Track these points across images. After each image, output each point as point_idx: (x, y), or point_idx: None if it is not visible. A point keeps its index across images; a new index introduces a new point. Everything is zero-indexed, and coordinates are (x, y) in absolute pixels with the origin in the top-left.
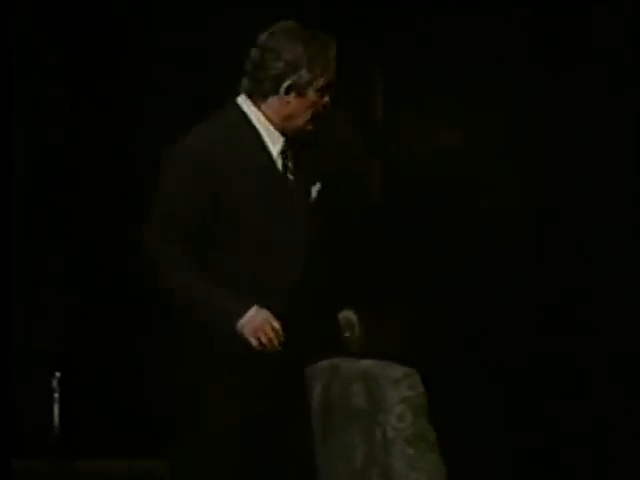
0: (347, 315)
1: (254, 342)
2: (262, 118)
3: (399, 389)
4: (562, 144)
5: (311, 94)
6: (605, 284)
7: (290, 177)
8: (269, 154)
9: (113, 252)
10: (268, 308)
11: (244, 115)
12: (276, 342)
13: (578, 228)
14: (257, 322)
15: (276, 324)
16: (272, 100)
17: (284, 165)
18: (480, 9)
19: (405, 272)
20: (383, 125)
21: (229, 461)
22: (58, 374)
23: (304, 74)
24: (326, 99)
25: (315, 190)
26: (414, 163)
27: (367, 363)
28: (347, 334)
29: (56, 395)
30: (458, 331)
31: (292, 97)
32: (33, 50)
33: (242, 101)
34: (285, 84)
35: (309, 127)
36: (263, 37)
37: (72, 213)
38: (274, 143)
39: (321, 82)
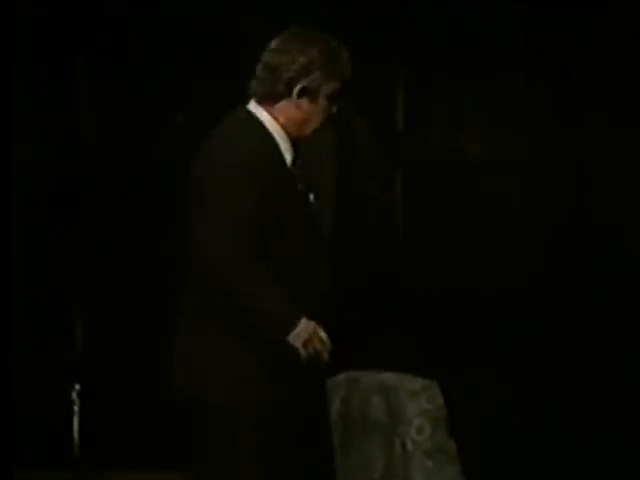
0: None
1: (303, 353)
2: (275, 124)
3: (418, 401)
4: (584, 158)
5: (322, 100)
6: (628, 299)
7: (300, 186)
8: (284, 162)
9: (134, 264)
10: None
11: (259, 122)
12: (325, 354)
13: (601, 243)
14: (306, 334)
15: (324, 335)
16: (283, 104)
17: (296, 170)
18: (502, 23)
19: (423, 282)
20: (404, 136)
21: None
22: (78, 386)
23: (317, 77)
24: (334, 109)
25: (313, 197)
26: (435, 174)
27: (386, 376)
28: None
29: (76, 407)
30: (475, 343)
31: (304, 101)
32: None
33: (254, 107)
34: (298, 87)
35: (306, 132)
36: (277, 41)
37: (94, 226)
38: (286, 150)
39: (332, 88)
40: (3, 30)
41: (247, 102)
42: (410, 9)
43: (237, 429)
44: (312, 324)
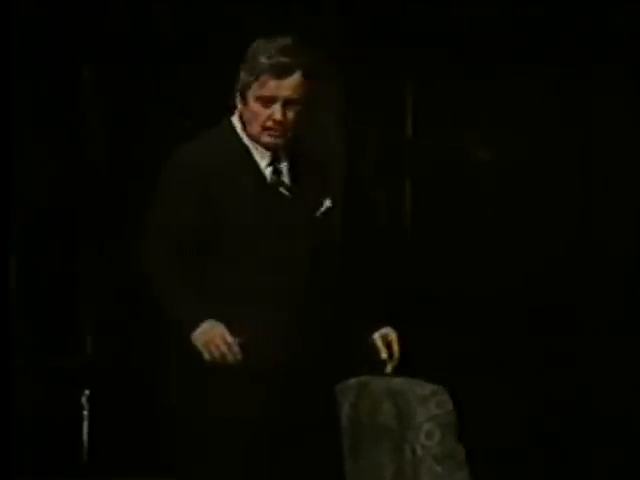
0: (385, 333)
1: (206, 355)
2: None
3: (427, 407)
4: (593, 160)
5: (252, 102)
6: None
7: (284, 192)
8: (257, 169)
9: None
10: (272, 324)
11: (234, 130)
12: (230, 357)
13: (610, 245)
14: (208, 336)
15: (229, 338)
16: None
17: (277, 180)
18: (509, 27)
19: (433, 287)
20: (413, 143)
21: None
22: (87, 391)
23: (242, 77)
24: (274, 115)
25: (324, 206)
26: (443, 179)
27: (396, 381)
28: (384, 355)
29: (85, 412)
30: (486, 348)
31: (239, 102)
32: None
33: (234, 116)
34: (235, 92)
35: (267, 139)
36: None
37: (104, 233)
38: (262, 157)
39: (257, 90)
40: (6, 40)
41: None
42: (417, 15)
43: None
44: (217, 327)
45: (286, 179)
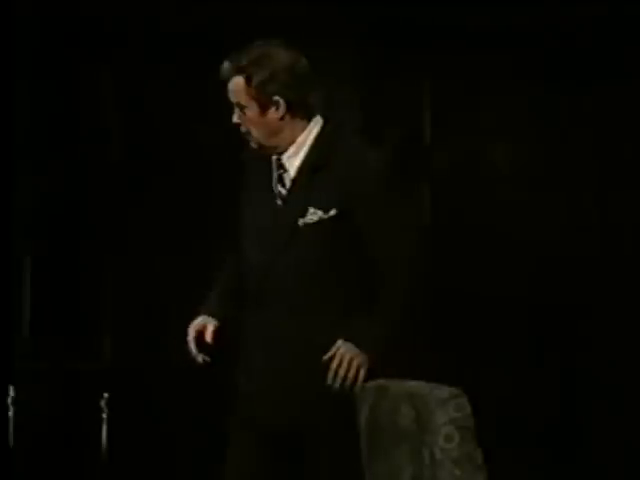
0: (339, 346)
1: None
2: None
3: (446, 410)
4: (614, 167)
5: None
6: None
7: (278, 202)
8: (270, 177)
9: (164, 276)
10: (257, 327)
11: None
12: (193, 350)
13: (629, 251)
14: (189, 330)
15: (191, 333)
16: None
17: (277, 189)
18: (528, 33)
19: (451, 291)
20: (431, 147)
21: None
22: (106, 395)
23: None
24: (234, 118)
25: (317, 215)
26: (462, 185)
27: (415, 384)
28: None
29: (104, 415)
30: (504, 349)
31: None
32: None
33: None
34: None
35: (252, 145)
36: None
37: (125, 238)
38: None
39: None
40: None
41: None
42: (435, 21)
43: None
44: (197, 322)
45: (283, 186)
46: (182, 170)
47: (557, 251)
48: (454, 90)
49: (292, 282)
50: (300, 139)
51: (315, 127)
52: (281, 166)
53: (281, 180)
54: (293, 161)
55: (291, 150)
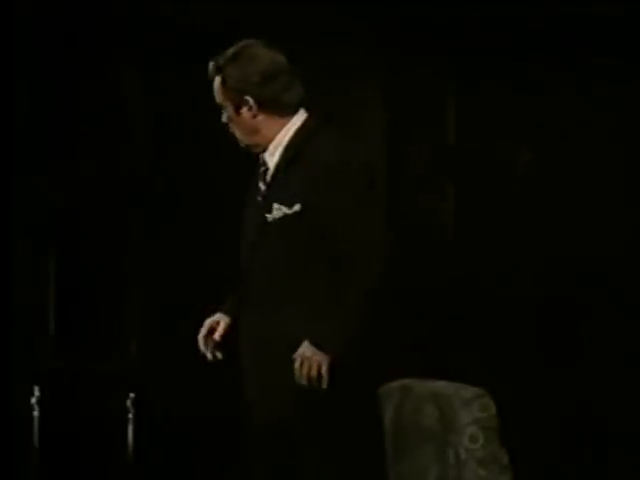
0: (302, 346)
1: None
2: None
3: (471, 410)
4: (636, 162)
5: None
6: None
7: (259, 198)
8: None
9: (188, 272)
10: (242, 322)
11: None
12: (202, 347)
13: None
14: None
15: (203, 330)
16: None
17: (259, 186)
18: (551, 35)
19: (475, 293)
20: (455, 149)
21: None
22: (132, 395)
23: None
24: (222, 119)
25: (282, 211)
26: (487, 186)
27: (439, 384)
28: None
29: (130, 415)
30: (531, 354)
31: None
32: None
33: None
34: None
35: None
36: None
37: (149, 238)
38: (262, 161)
39: None
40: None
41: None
42: (460, 22)
43: None
44: (210, 319)
45: (264, 183)
46: (209, 169)
47: (581, 251)
48: (478, 90)
49: (264, 279)
50: (279, 137)
51: (295, 124)
52: (264, 163)
53: (264, 177)
54: (273, 158)
55: (271, 148)
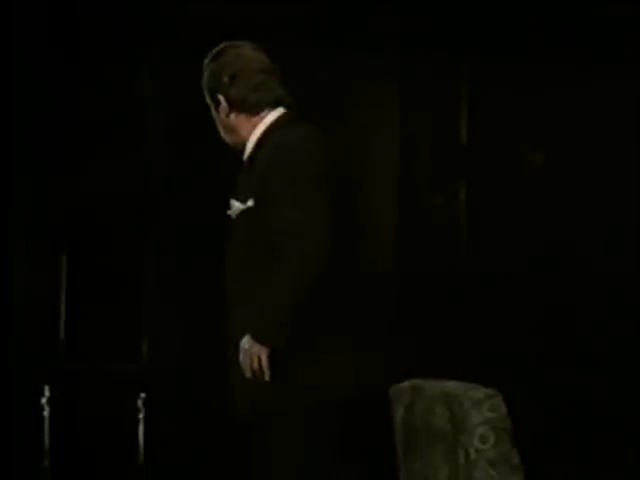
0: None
1: None
2: None
3: (481, 410)
4: None
5: None
6: None
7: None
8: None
9: (198, 273)
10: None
11: None
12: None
13: None
14: None
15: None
16: None
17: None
18: (563, 36)
19: (487, 292)
20: (467, 148)
21: None
22: (143, 395)
23: None
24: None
25: (237, 207)
26: (499, 186)
27: (450, 384)
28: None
29: (141, 415)
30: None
31: None
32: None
33: None
34: None
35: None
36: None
37: (163, 239)
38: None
39: None
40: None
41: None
42: (472, 23)
43: None
44: None
45: (238, 182)
46: (224, 170)
47: (593, 250)
48: (490, 90)
49: (230, 278)
50: (251, 137)
51: (265, 123)
52: (242, 163)
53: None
54: (245, 157)
55: (247, 147)
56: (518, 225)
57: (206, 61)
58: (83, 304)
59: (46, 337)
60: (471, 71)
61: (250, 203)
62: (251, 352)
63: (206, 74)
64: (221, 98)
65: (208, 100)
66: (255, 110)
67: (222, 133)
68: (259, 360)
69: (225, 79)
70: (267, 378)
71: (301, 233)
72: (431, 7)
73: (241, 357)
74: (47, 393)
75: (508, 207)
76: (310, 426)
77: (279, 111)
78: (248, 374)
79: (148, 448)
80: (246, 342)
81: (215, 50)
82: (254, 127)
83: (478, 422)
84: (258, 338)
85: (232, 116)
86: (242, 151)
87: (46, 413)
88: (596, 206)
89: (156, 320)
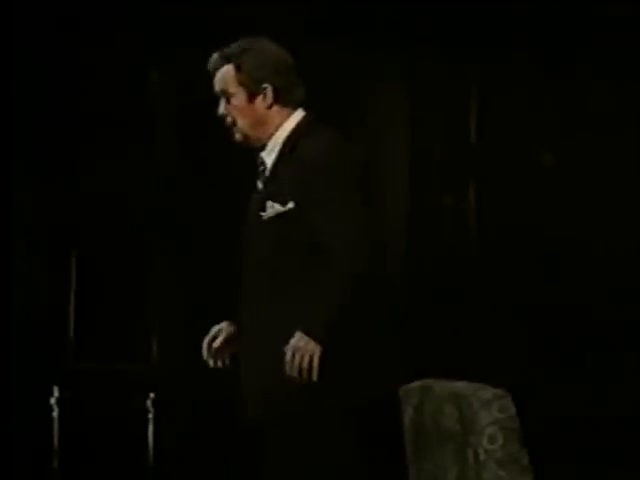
0: (293, 339)
1: None
2: None
3: (490, 410)
4: None
5: None
6: None
7: (256, 197)
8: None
9: (208, 273)
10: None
11: None
12: (205, 354)
13: None
14: None
15: (206, 339)
16: None
17: (257, 184)
18: (574, 36)
19: (496, 294)
20: (477, 148)
21: None
22: (152, 395)
23: None
24: (219, 110)
25: (275, 208)
26: (508, 186)
27: (459, 384)
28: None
29: (150, 415)
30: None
31: None
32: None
33: None
34: None
35: (237, 137)
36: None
37: (172, 239)
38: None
39: None
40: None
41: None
42: (482, 23)
43: None
44: (212, 329)
45: (262, 181)
46: (231, 170)
47: (604, 250)
48: (500, 90)
49: (257, 278)
50: (277, 134)
51: (291, 123)
52: (262, 162)
53: (262, 176)
54: (270, 156)
55: (270, 145)
56: (528, 225)
57: (231, 52)
58: (92, 304)
59: (55, 337)
60: (481, 71)
61: (291, 205)
62: (306, 350)
63: (245, 63)
64: (268, 88)
65: (236, 88)
66: (292, 105)
67: (245, 125)
68: (310, 359)
69: (277, 68)
70: (315, 378)
71: (350, 233)
72: (441, 7)
73: (289, 355)
74: (56, 393)
75: (518, 207)
76: (332, 428)
77: (301, 112)
78: (294, 372)
79: (157, 448)
80: (300, 339)
81: (240, 43)
82: (281, 124)
83: (487, 422)
84: (315, 336)
85: (274, 108)
86: (259, 149)
87: (55, 413)
88: (607, 206)
89: (165, 320)
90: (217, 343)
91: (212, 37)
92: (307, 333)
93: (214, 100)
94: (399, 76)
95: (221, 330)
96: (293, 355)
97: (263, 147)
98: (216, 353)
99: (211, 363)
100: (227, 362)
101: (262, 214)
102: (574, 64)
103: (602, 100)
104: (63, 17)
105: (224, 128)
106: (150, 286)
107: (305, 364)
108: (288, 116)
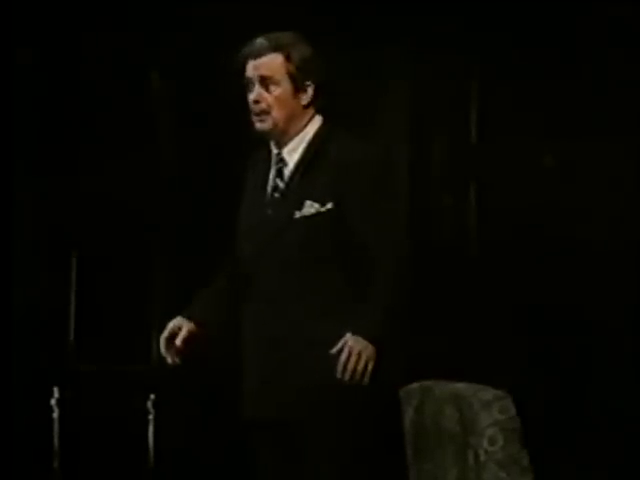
0: (347, 339)
1: None
2: None
3: (490, 412)
4: None
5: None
6: None
7: (276, 195)
8: (268, 168)
9: (209, 272)
10: (249, 322)
11: None
12: (162, 350)
13: None
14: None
15: (164, 334)
16: None
17: (274, 182)
18: (576, 35)
19: (497, 295)
20: (477, 148)
21: None
22: (153, 396)
23: None
24: (252, 96)
25: (314, 207)
26: (509, 186)
27: (459, 386)
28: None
29: (150, 417)
30: (552, 362)
31: None
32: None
33: None
34: None
35: (256, 125)
36: None
37: (173, 240)
38: (274, 155)
39: (244, 77)
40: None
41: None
42: (482, 23)
43: None
44: (168, 326)
45: (282, 179)
46: (232, 169)
47: (605, 250)
48: (501, 89)
49: (277, 277)
50: (302, 134)
51: (315, 124)
52: (281, 160)
53: (280, 174)
54: (293, 155)
55: (291, 144)
56: (528, 225)
57: (283, 40)
58: (92, 305)
59: (55, 338)
60: (482, 71)
61: (330, 205)
62: (364, 352)
63: (297, 51)
64: (311, 85)
65: (282, 76)
66: (316, 109)
67: (281, 116)
68: (366, 362)
69: (318, 67)
70: (367, 382)
71: (396, 234)
72: (441, 7)
73: (344, 356)
74: (56, 394)
75: (518, 207)
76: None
77: (320, 117)
78: (347, 375)
79: (157, 449)
80: (357, 341)
81: (291, 35)
82: (306, 125)
83: (487, 424)
84: (371, 338)
85: (310, 107)
86: (276, 142)
87: (55, 414)
88: (607, 206)
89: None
90: (179, 342)
91: (212, 37)
92: (360, 334)
93: (214, 100)
94: (399, 76)
95: (180, 327)
96: (349, 357)
97: (279, 144)
98: (176, 351)
99: (169, 360)
100: (177, 360)
101: (296, 212)
102: (574, 64)
103: (602, 100)
104: (63, 17)
105: (224, 128)
106: (150, 286)
107: (361, 367)
108: (312, 118)
